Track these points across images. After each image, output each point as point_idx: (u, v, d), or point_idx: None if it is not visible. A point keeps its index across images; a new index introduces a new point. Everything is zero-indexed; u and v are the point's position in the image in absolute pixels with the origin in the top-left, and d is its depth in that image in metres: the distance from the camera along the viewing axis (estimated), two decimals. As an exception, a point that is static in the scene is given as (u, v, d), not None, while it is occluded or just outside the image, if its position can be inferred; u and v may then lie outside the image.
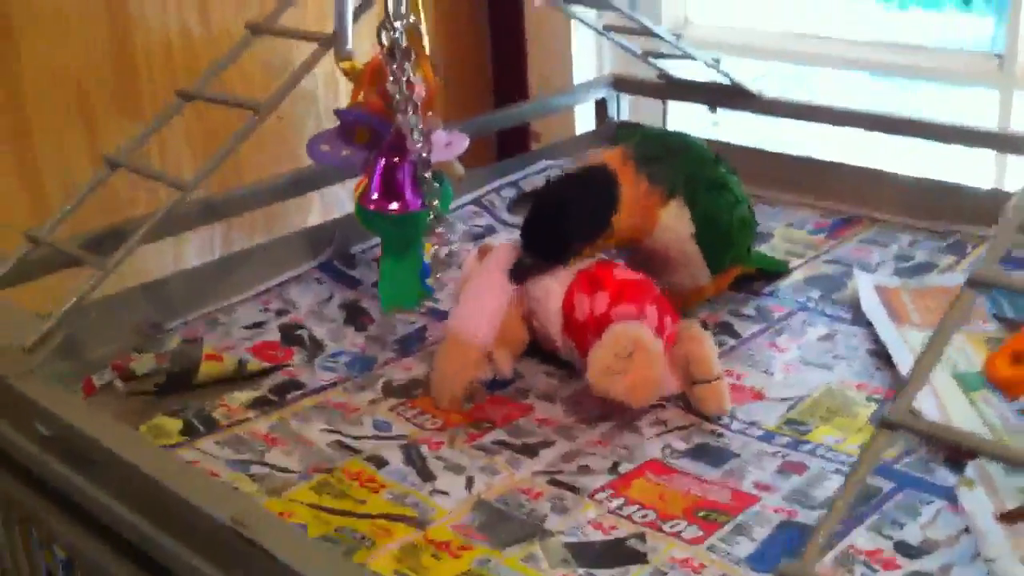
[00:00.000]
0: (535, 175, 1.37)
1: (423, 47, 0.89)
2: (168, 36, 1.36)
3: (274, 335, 1.05)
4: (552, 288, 0.94)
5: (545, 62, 1.64)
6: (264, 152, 1.48)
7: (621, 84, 1.47)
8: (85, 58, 1.30)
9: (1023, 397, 0.66)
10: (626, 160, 0.96)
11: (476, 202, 1.33)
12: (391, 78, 0.84)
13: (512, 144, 1.67)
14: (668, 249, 0.98)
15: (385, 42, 0.84)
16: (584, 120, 1.59)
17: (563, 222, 0.93)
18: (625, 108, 1.50)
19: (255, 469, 0.84)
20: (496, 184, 1.35)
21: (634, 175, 0.95)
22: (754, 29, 1.55)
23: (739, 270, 1.07)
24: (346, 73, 0.88)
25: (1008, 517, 0.69)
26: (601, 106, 1.48)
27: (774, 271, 1.13)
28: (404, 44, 0.83)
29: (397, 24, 0.83)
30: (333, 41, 0.84)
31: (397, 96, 0.84)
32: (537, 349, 1.00)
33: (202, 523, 0.64)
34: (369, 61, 0.92)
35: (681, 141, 1.02)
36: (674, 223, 0.97)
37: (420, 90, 0.87)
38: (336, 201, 1.53)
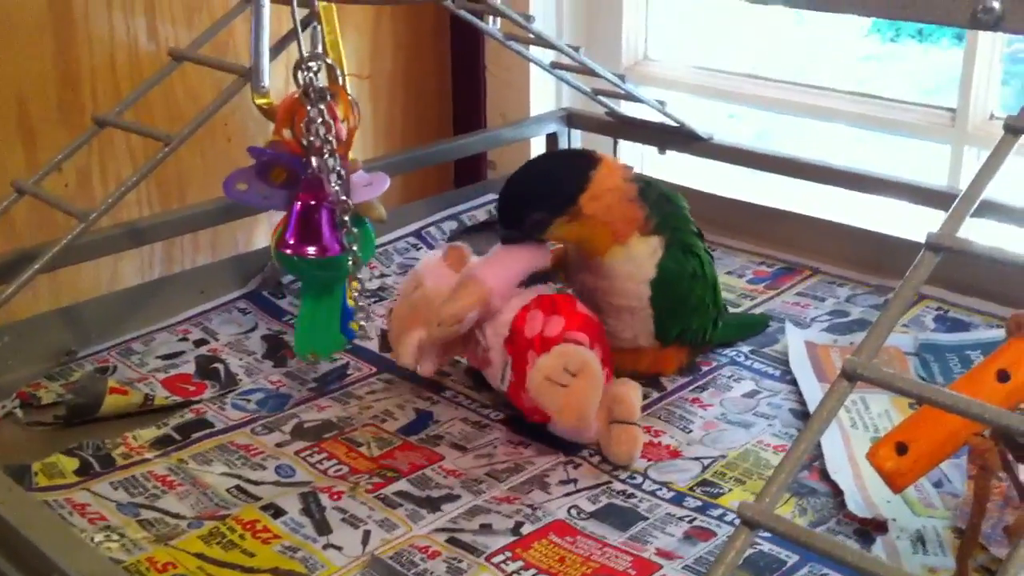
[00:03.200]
0: (478, 208, 1.36)
1: (342, 87, 0.87)
2: (113, 52, 1.34)
3: (189, 367, 1.03)
4: (512, 302, 0.92)
5: (503, 94, 1.63)
6: (211, 174, 1.45)
7: (573, 120, 1.46)
8: (27, 72, 1.27)
9: (906, 488, 0.64)
10: (627, 173, 0.95)
11: (416, 234, 1.31)
12: (306, 119, 0.82)
13: (469, 172, 1.65)
14: (626, 282, 0.95)
15: (301, 81, 0.82)
16: (539, 153, 1.57)
17: (526, 190, 0.93)
18: (577, 144, 1.48)
19: (145, 514, 0.82)
20: (437, 216, 1.33)
21: (624, 182, 0.94)
22: (710, 69, 1.53)
23: (683, 355, 1.02)
24: (262, 110, 0.86)
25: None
26: (552, 140, 1.46)
27: (741, 337, 1.09)
28: (320, 84, 0.81)
29: (312, 64, 0.81)
30: (250, 76, 0.82)
31: (312, 138, 0.82)
32: (453, 394, 0.98)
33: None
34: (283, 99, 0.90)
35: (678, 203, 1.01)
36: (642, 258, 0.95)
37: (339, 132, 0.85)
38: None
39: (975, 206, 0.57)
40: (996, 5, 0.58)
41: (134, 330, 1.08)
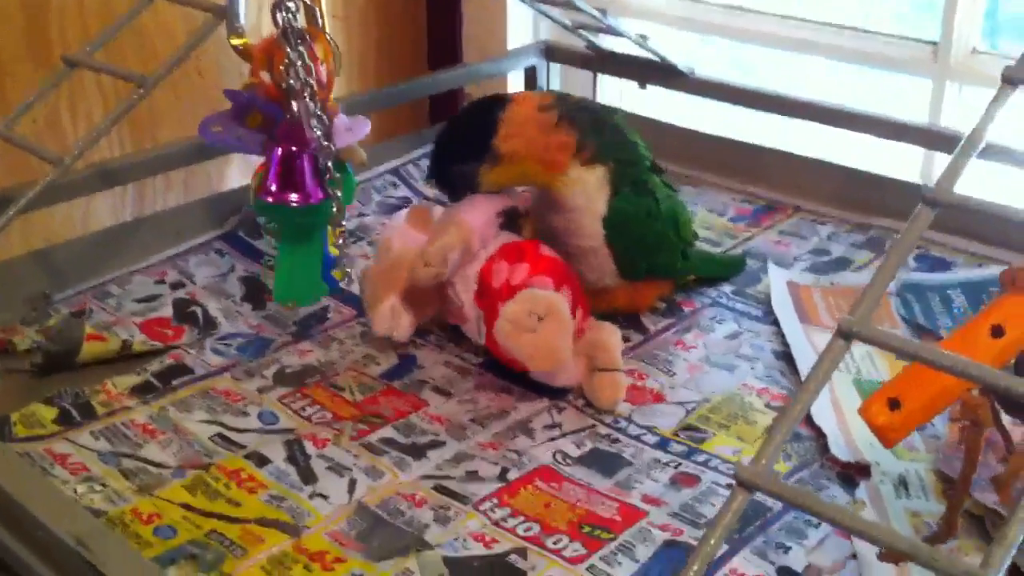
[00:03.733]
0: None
1: (321, 28, 0.85)
2: (82, -12, 1.30)
3: (167, 311, 1.01)
4: (478, 255, 0.92)
5: (480, 28, 1.60)
6: (184, 110, 1.42)
7: (552, 53, 1.44)
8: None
9: (897, 443, 0.64)
10: (542, 102, 0.94)
11: (394, 172, 1.29)
12: (286, 61, 0.79)
13: (445, 109, 1.62)
14: (583, 216, 0.94)
15: (280, 22, 0.79)
16: (518, 88, 1.54)
17: (442, 149, 0.95)
18: (556, 78, 1.46)
19: (128, 464, 0.81)
20: (416, 154, 1.31)
21: (540, 112, 0.93)
22: (694, 2, 1.51)
23: (665, 290, 1.03)
24: (237, 51, 0.83)
25: (889, 557, 0.67)
26: (531, 74, 1.44)
27: (721, 276, 1.09)
28: (299, 25, 0.78)
29: (291, 4, 0.78)
30: (225, 15, 0.79)
31: (292, 81, 0.80)
32: (437, 338, 0.98)
33: (52, 541, 0.61)
34: (261, 40, 0.87)
35: (626, 135, 0.99)
36: (591, 189, 0.93)
37: (319, 74, 0.83)
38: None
39: (972, 158, 0.57)
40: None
41: (108, 273, 1.06)
